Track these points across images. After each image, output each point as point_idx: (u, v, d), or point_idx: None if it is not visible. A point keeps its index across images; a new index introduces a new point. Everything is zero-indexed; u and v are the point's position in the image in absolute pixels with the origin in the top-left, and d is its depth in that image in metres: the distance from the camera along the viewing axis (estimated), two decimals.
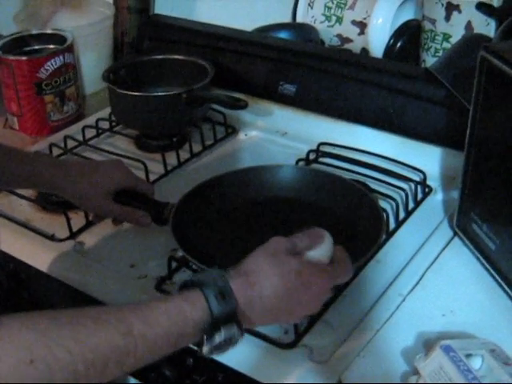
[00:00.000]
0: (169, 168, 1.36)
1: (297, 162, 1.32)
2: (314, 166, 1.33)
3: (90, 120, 1.55)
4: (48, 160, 1.14)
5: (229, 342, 0.75)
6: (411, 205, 1.22)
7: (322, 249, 0.85)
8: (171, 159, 1.37)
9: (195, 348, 0.76)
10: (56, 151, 1.41)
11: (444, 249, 1.12)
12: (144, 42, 1.69)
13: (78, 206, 1.14)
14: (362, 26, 1.68)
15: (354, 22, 1.69)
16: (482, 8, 1.44)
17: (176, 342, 0.73)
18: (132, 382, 1.05)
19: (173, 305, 0.73)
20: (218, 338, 0.74)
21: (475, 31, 1.47)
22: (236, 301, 0.75)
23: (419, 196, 1.24)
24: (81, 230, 1.19)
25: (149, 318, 0.71)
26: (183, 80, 1.49)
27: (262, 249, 0.82)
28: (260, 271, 0.78)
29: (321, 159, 1.35)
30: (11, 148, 1.12)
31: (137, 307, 0.72)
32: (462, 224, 1.12)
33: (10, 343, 0.62)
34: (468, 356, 0.82)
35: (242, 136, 1.50)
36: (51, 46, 1.58)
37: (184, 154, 1.40)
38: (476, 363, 0.81)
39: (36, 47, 1.60)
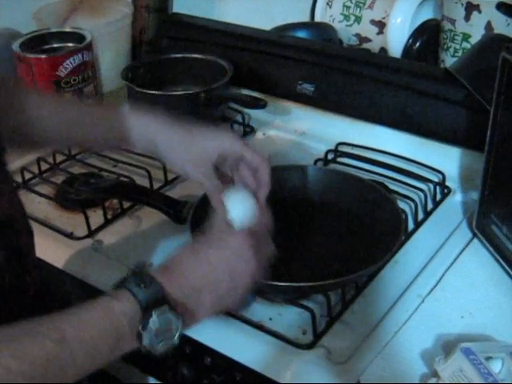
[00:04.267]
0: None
1: (315, 162, 1.32)
2: (333, 166, 1.33)
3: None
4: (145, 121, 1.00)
5: (168, 329, 0.74)
6: (430, 206, 1.21)
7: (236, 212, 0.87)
8: None
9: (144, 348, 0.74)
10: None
11: (463, 250, 1.11)
12: (162, 40, 1.69)
13: (177, 171, 1.07)
14: (380, 25, 1.68)
15: (372, 22, 1.69)
16: (502, 8, 1.43)
17: (116, 342, 0.72)
18: (151, 381, 1.05)
19: (100, 304, 0.73)
20: (153, 324, 0.73)
21: (495, 31, 1.46)
22: (161, 285, 0.75)
23: (438, 197, 1.23)
24: (99, 229, 1.19)
25: (79, 321, 0.70)
26: (202, 79, 1.49)
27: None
28: (178, 258, 0.81)
29: (339, 159, 1.35)
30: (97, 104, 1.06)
31: (67, 312, 0.71)
32: (481, 225, 1.11)
33: None
34: (488, 359, 0.82)
35: (259, 135, 1.49)
36: (70, 45, 1.59)
37: None
38: (496, 366, 0.81)
39: (55, 45, 1.61)
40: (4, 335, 0.66)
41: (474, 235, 1.13)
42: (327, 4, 1.77)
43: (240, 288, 0.83)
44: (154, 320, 0.73)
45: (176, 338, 0.75)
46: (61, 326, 0.69)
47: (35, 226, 1.21)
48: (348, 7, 1.73)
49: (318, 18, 1.79)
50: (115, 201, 1.25)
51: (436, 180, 1.26)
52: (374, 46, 1.70)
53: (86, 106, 1.07)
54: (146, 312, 0.73)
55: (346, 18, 1.73)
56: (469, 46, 1.48)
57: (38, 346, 0.66)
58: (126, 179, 1.28)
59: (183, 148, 0.98)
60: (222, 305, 0.83)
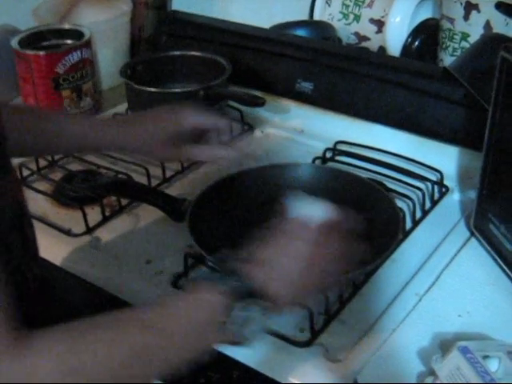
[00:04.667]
0: (185, 164, 1.36)
1: (313, 161, 1.32)
2: (331, 164, 1.33)
3: (107, 115, 1.55)
4: (102, 120, 1.09)
5: (253, 318, 0.76)
6: (428, 204, 1.21)
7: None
8: None
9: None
10: None
11: (461, 249, 1.11)
12: (161, 38, 1.69)
13: (145, 155, 1.11)
14: (379, 24, 1.67)
15: (371, 20, 1.69)
16: (502, 7, 1.43)
17: (201, 334, 0.73)
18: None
19: (184, 297, 0.76)
20: (238, 315, 0.74)
21: (494, 31, 1.46)
22: (246, 277, 0.76)
23: (436, 196, 1.23)
24: (97, 226, 1.19)
25: (163, 310, 0.72)
26: (200, 77, 1.49)
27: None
28: (261, 250, 0.81)
29: (338, 158, 1.35)
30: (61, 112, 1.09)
31: (152, 303, 0.73)
32: (479, 224, 1.11)
33: (44, 357, 0.63)
34: (485, 358, 0.82)
35: (258, 133, 1.49)
36: (69, 41, 1.59)
37: None
38: (493, 365, 0.81)
39: (54, 42, 1.60)
40: (89, 325, 0.68)
41: (472, 234, 1.13)
42: (326, 2, 1.76)
43: (313, 283, 0.83)
44: (240, 311, 0.74)
45: (262, 327, 0.77)
46: (145, 316, 0.71)
47: (33, 223, 1.21)
48: (347, 6, 1.72)
49: (316, 17, 1.79)
50: (113, 198, 1.25)
51: (434, 179, 1.26)
52: (372, 45, 1.70)
53: (46, 114, 1.08)
54: (231, 303, 0.74)
55: (345, 16, 1.73)
56: (467, 45, 1.48)
57: (123, 335, 0.68)
58: (124, 176, 1.28)
59: (141, 130, 1.02)
60: (298, 297, 0.84)
